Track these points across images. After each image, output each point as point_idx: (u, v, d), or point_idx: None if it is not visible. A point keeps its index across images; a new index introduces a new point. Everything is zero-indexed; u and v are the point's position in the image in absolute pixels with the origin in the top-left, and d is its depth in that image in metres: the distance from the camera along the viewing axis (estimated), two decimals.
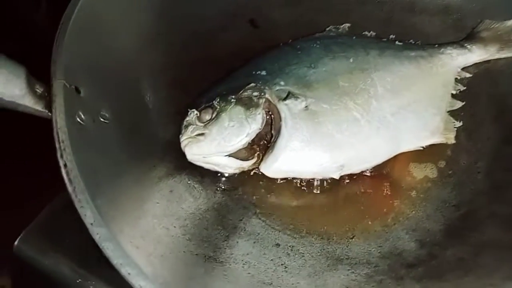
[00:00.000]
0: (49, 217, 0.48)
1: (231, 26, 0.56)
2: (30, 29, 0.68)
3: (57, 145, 0.33)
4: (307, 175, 0.44)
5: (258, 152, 0.44)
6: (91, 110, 0.39)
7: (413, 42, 0.54)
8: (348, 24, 0.56)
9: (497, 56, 0.51)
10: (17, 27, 0.65)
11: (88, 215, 0.31)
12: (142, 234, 0.35)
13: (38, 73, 0.38)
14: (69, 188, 0.32)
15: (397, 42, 0.52)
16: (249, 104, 0.43)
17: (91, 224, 0.31)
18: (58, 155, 0.33)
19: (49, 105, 0.36)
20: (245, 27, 0.57)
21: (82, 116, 0.37)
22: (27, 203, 0.50)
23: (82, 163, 0.34)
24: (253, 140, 0.44)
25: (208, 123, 0.43)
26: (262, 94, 0.44)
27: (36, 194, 0.50)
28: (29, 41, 0.64)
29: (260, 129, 0.43)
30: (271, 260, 0.40)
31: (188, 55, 0.53)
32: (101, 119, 0.40)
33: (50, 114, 0.35)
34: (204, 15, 0.55)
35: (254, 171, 0.45)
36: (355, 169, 0.45)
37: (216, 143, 0.42)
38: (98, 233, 0.30)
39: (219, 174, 0.45)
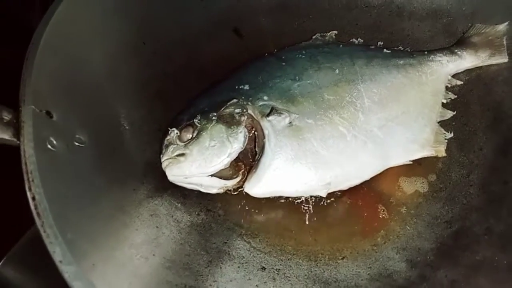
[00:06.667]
0: (30, 242, 0.46)
1: (215, 35, 0.54)
2: (24, 30, 0.66)
3: (25, 177, 0.32)
4: (292, 194, 0.43)
5: (243, 170, 0.43)
6: (65, 134, 0.37)
7: (402, 49, 0.52)
8: (335, 32, 0.54)
9: (488, 62, 0.49)
10: (10, 28, 0.62)
11: (57, 252, 0.29)
12: (117, 268, 0.33)
13: None
14: (38, 223, 0.30)
15: (385, 50, 0.51)
16: (230, 122, 0.42)
17: (60, 262, 0.29)
18: (26, 187, 0.31)
19: (17, 133, 0.34)
20: (229, 36, 0.55)
21: (54, 142, 0.36)
22: (7, 229, 0.48)
23: (53, 194, 0.32)
24: (238, 157, 0.42)
25: (189, 142, 0.41)
26: (244, 110, 0.42)
27: (16, 219, 0.48)
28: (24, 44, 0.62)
29: (242, 148, 0.41)
30: (256, 286, 0.38)
31: (172, 65, 0.51)
32: (76, 143, 0.38)
33: (18, 142, 0.34)
34: (188, 23, 0.53)
35: (239, 190, 0.43)
36: (343, 186, 0.43)
37: (197, 164, 0.40)
38: (67, 272, 0.29)
39: (202, 195, 0.43)
